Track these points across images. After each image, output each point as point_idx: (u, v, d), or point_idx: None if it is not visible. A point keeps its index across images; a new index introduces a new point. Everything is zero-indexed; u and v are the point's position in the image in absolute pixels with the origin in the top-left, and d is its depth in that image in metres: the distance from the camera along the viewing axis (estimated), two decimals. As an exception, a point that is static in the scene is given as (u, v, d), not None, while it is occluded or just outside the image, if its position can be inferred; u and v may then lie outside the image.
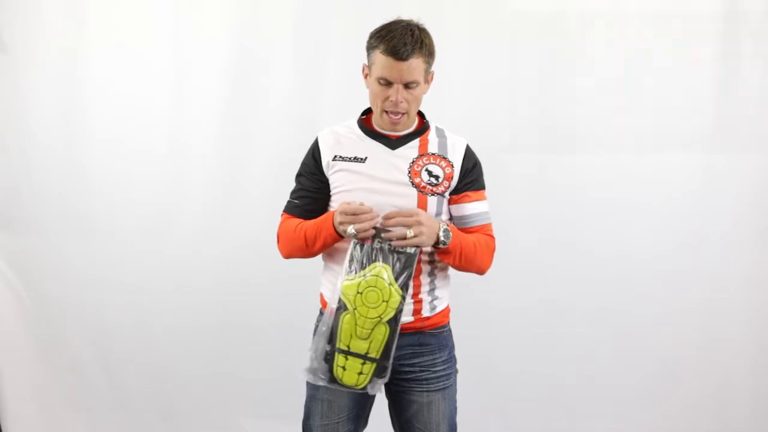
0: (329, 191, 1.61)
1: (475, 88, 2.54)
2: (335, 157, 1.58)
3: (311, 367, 1.48)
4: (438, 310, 1.62)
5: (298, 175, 1.67)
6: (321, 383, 1.49)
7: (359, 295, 1.44)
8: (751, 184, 2.56)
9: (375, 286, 1.44)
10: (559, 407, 2.64)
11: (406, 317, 1.55)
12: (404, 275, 1.46)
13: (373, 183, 1.54)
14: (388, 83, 1.50)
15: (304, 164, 1.66)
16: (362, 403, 1.65)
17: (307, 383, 1.66)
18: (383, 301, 1.44)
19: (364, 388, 1.48)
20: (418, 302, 1.59)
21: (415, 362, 1.61)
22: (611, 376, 2.63)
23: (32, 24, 2.55)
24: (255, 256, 2.57)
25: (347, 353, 1.46)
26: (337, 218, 1.49)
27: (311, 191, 1.62)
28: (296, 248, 1.60)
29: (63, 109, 2.58)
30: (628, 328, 2.61)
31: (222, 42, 2.57)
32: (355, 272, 1.46)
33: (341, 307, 1.46)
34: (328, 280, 1.63)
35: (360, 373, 1.46)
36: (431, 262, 1.59)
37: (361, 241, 1.47)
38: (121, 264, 2.62)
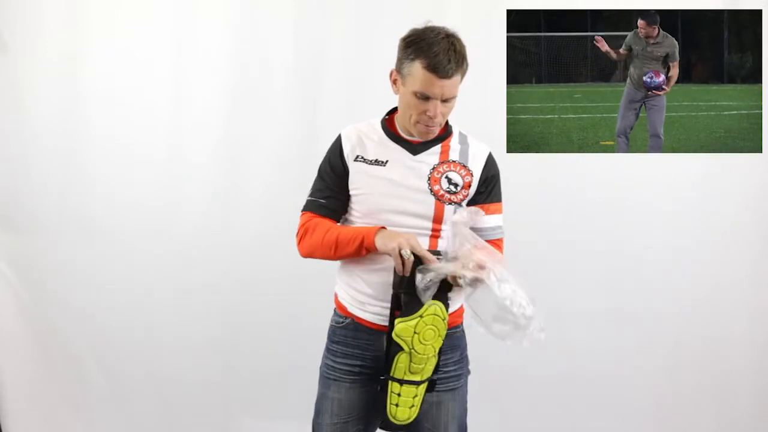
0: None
1: (475, 87, 2.54)
2: (357, 157, 1.56)
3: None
4: (451, 310, 1.60)
5: (321, 173, 1.61)
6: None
7: (416, 335, 1.43)
8: (751, 184, 2.57)
9: (433, 325, 1.43)
10: (559, 407, 2.65)
11: None
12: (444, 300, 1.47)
13: (391, 187, 1.52)
14: (426, 97, 1.47)
15: (327, 162, 1.60)
16: (373, 403, 1.64)
17: (319, 381, 1.66)
18: (438, 336, 1.45)
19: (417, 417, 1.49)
20: None
21: None
22: (611, 375, 2.63)
23: (32, 24, 2.54)
24: (255, 256, 2.58)
25: (402, 382, 1.45)
26: (401, 241, 1.42)
27: (336, 191, 1.58)
28: (320, 250, 1.55)
29: (63, 109, 2.57)
30: (629, 328, 2.61)
31: (222, 42, 2.56)
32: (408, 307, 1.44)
33: (395, 345, 1.44)
34: (344, 281, 1.62)
35: (412, 407, 1.47)
36: (443, 263, 1.59)
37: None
38: (122, 264, 2.61)
